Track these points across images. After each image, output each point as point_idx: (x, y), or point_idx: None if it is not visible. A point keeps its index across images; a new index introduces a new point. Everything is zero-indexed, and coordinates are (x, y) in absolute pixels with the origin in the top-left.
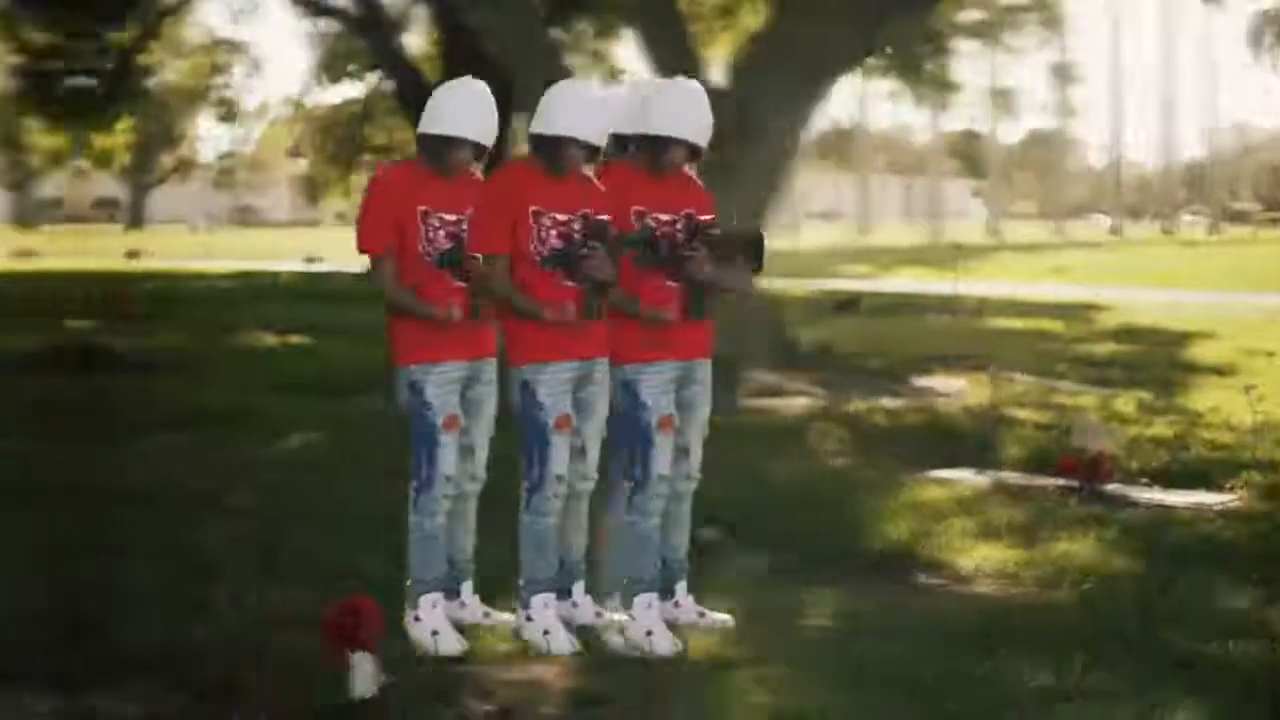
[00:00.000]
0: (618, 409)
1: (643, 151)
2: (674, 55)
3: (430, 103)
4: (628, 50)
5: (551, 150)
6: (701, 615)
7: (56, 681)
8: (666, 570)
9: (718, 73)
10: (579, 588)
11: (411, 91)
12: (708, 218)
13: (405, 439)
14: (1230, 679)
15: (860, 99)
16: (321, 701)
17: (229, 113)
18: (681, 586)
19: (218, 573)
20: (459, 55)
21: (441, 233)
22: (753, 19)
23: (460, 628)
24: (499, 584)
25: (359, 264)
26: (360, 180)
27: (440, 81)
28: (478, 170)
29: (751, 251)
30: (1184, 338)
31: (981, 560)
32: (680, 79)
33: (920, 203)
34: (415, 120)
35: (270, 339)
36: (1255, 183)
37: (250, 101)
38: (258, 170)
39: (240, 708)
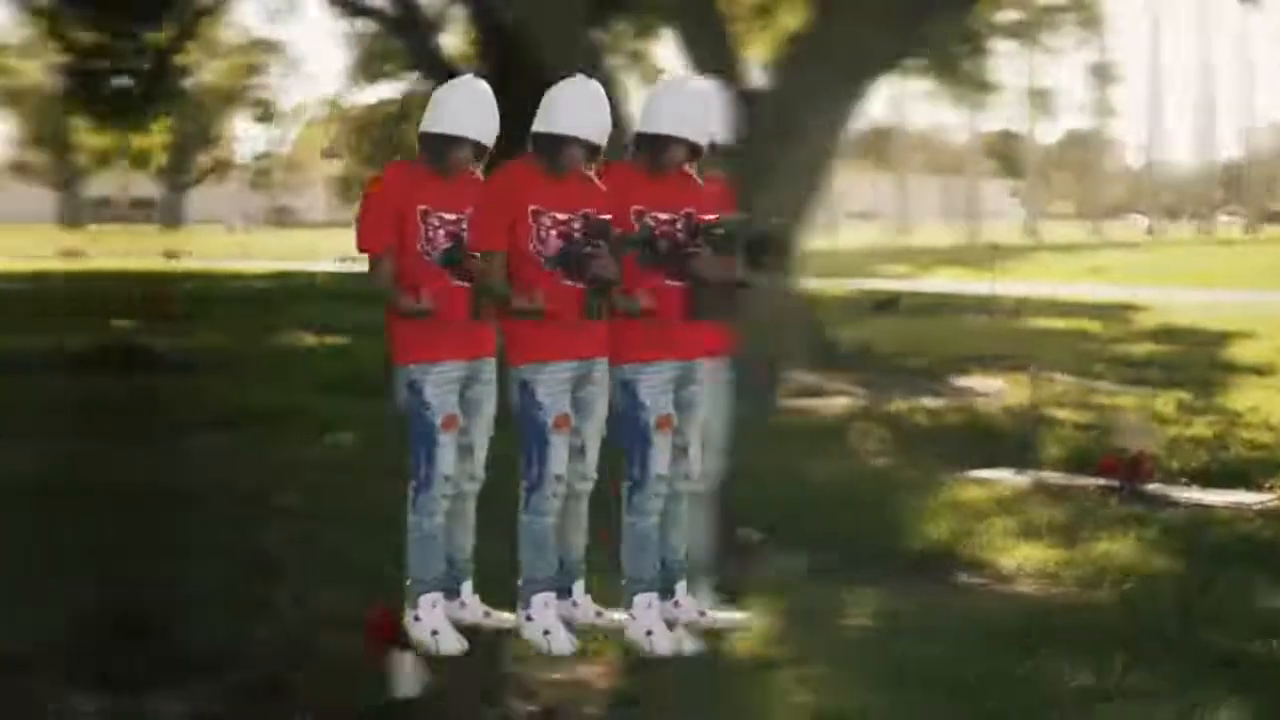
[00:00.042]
0: (616, 409)
1: (643, 150)
2: (713, 55)
3: (431, 102)
4: (667, 50)
5: (552, 149)
6: (702, 614)
7: (104, 681)
8: (666, 570)
9: (757, 73)
10: (579, 587)
11: None
12: (712, 217)
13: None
14: (1271, 678)
15: (898, 99)
16: (365, 702)
17: (265, 113)
18: (681, 586)
19: (265, 573)
20: (496, 55)
21: (441, 232)
22: (791, 19)
23: (461, 627)
24: (500, 584)
25: None
26: None
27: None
28: (478, 170)
29: (754, 250)
30: (1222, 338)
31: (1022, 560)
32: (681, 78)
33: (958, 203)
34: None
35: (309, 339)
36: None
37: (287, 102)
38: (294, 171)
39: (284, 707)
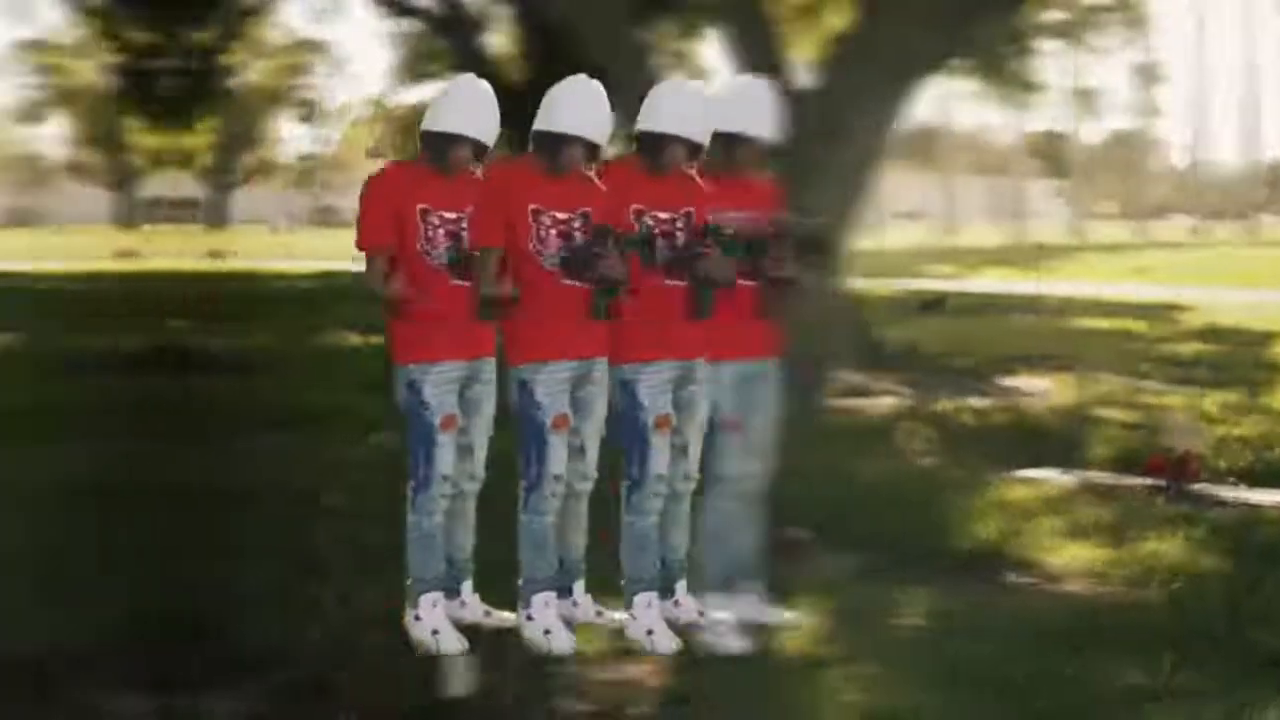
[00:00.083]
0: (616, 408)
1: (643, 149)
2: (759, 55)
3: (432, 100)
4: (711, 51)
5: (553, 148)
6: (702, 614)
7: (154, 681)
8: (666, 570)
9: (803, 73)
10: (579, 587)
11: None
12: (730, 216)
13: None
14: None
15: (944, 99)
16: (411, 701)
17: (310, 113)
18: (681, 586)
19: (312, 572)
20: (541, 55)
21: (441, 231)
22: (837, 19)
23: (462, 627)
24: (501, 583)
25: None
26: None
27: (524, 81)
28: (478, 170)
29: (802, 249)
30: (1268, 337)
31: (1070, 559)
32: (682, 78)
33: (1004, 203)
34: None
35: (353, 339)
36: None
37: (331, 102)
38: (338, 171)
39: (331, 707)
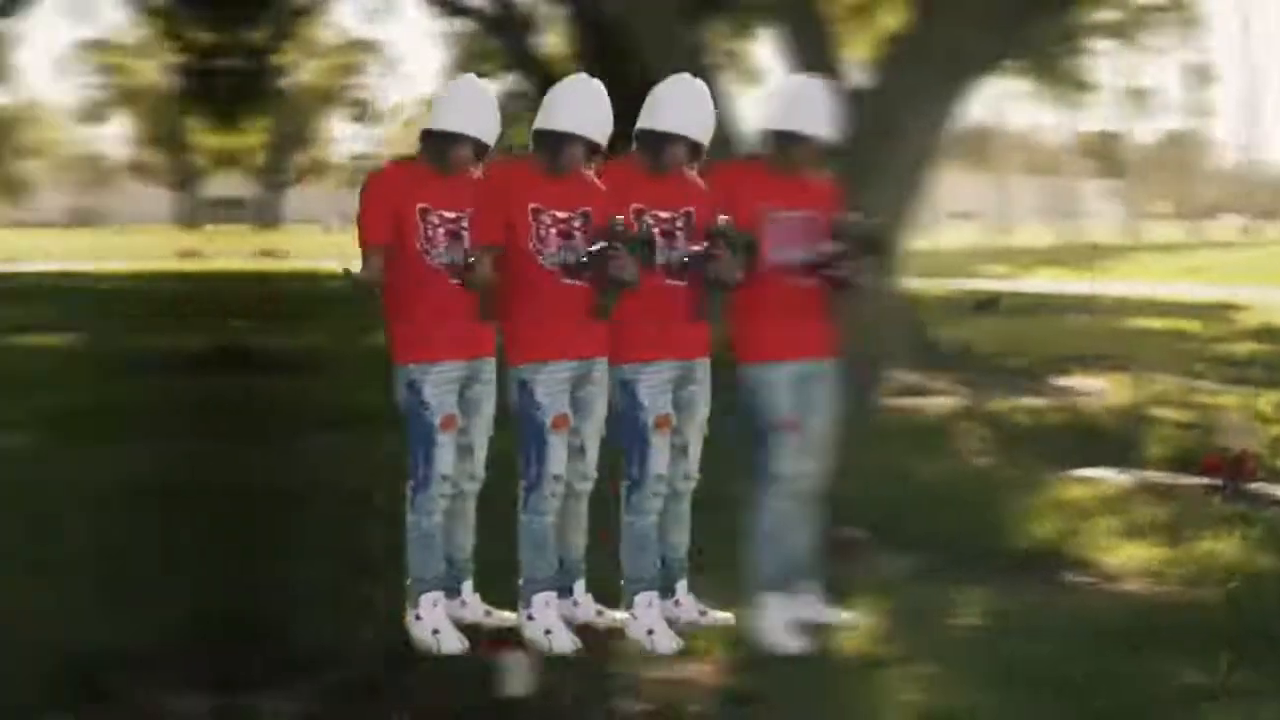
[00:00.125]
0: (615, 408)
1: (644, 148)
2: (813, 55)
3: (433, 100)
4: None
5: (554, 146)
6: (703, 614)
7: (209, 682)
8: (666, 569)
9: (857, 72)
10: (580, 586)
11: (546, 92)
12: (726, 218)
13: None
14: None
15: (998, 99)
16: (471, 701)
17: (363, 113)
18: (682, 585)
19: (368, 572)
20: (595, 55)
21: (441, 230)
22: (891, 19)
23: (462, 626)
24: (501, 583)
25: None
26: None
27: None
28: (478, 170)
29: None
30: None
31: (1127, 559)
32: (683, 76)
33: (1057, 203)
34: None
35: None
36: None
37: (384, 102)
38: None
39: (385, 707)
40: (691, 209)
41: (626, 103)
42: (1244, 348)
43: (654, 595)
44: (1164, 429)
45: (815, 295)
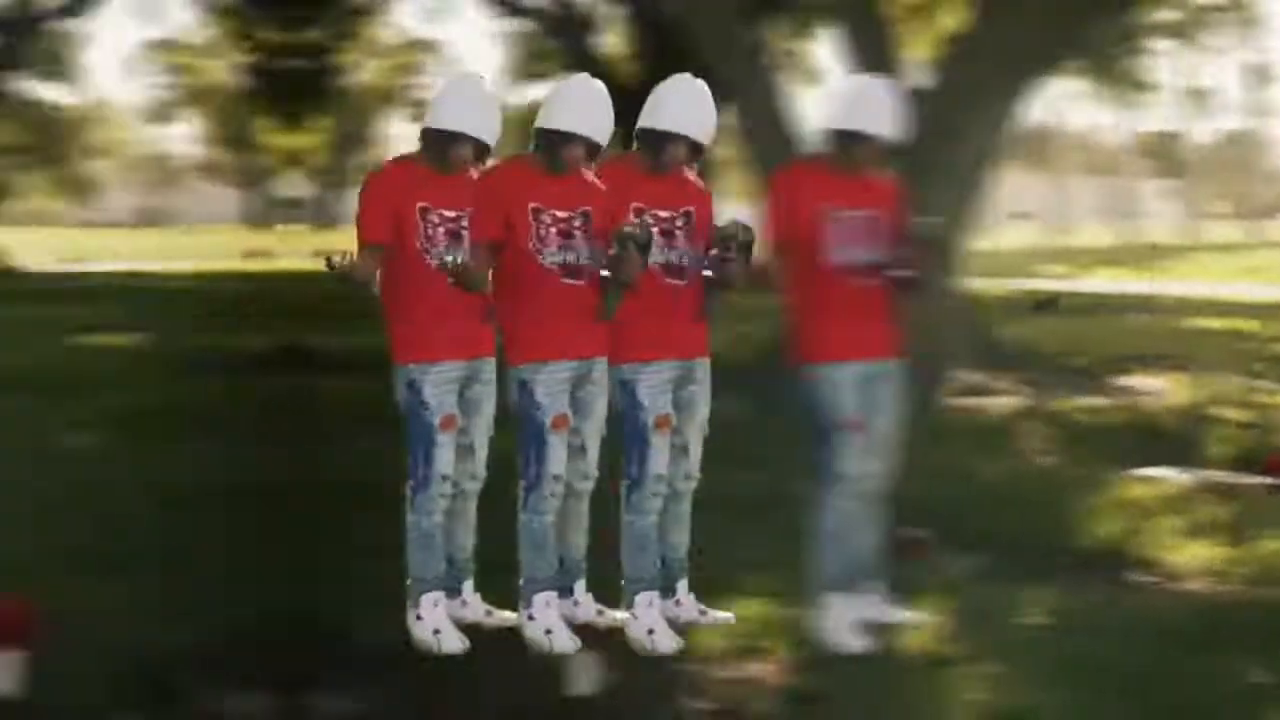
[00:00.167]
0: (615, 408)
1: (643, 147)
2: (873, 54)
3: (434, 99)
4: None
5: (554, 146)
6: (703, 613)
7: (274, 681)
8: (667, 569)
9: (916, 72)
10: (580, 586)
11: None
12: (738, 220)
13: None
14: None
15: (1058, 99)
16: (537, 700)
17: (422, 113)
18: (683, 585)
19: None
20: (654, 54)
21: (441, 230)
22: (951, 19)
23: (463, 626)
24: (502, 583)
25: None
26: None
27: (637, 81)
28: (477, 171)
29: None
30: None
31: (1190, 558)
32: (684, 76)
33: (1116, 203)
34: None
35: None
36: None
37: None
38: None
39: (458, 705)
40: (691, 209)
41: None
42: None
43: (654, 595)
44: (1224, 428)
45: (879, 295)
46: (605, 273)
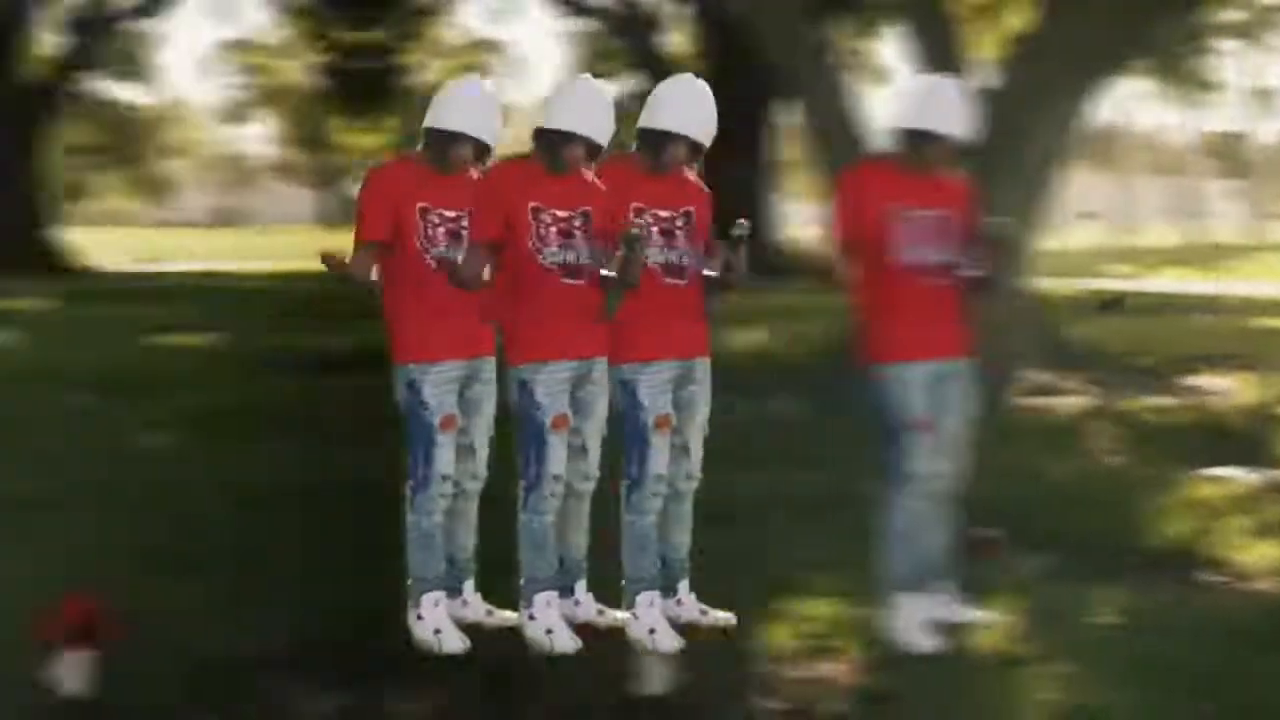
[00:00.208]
0: (615, 408)
1: (643, 147)
2: (938, 54)
3: (435, 99)
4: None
5: (554, 145)
6: (704, 613)
7: (343, 680)
8: (668, 569)
9: (982, 72)
10: (581, 586)
11: None
12: (744, 221)
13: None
14: None
15: (1124, 99)
16: (604, 699)
17: None
18: (684, 585)
19: (501, 570)
20: (719, 54)
21: (441, 229)
22: (1017, 18)
23: (463, 626)
24: (503, 583)
25: None
26: None
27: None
28: (478, 171)
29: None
30: None
31: (1259, 558)
32: (684, 76)
33: (1181, 203)
34: None
35: None
36: None
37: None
38: None
39: (527, 703)
40: (691, 209)
41: (752, 102)
42: None
43: (655, 595)
44: None
45: (949, 295)
46: (606, 273)
